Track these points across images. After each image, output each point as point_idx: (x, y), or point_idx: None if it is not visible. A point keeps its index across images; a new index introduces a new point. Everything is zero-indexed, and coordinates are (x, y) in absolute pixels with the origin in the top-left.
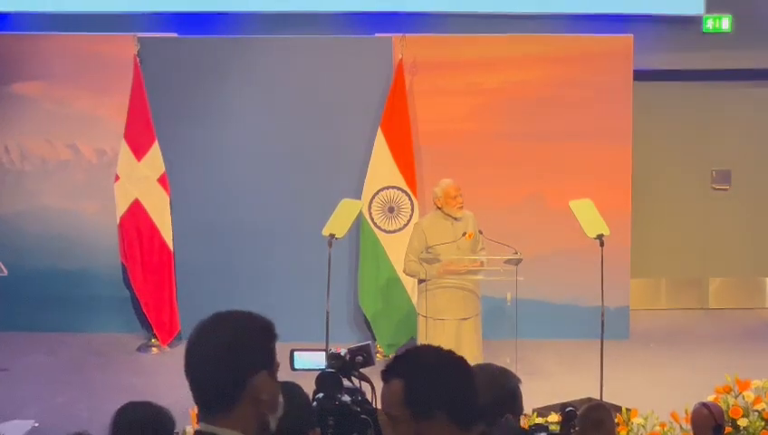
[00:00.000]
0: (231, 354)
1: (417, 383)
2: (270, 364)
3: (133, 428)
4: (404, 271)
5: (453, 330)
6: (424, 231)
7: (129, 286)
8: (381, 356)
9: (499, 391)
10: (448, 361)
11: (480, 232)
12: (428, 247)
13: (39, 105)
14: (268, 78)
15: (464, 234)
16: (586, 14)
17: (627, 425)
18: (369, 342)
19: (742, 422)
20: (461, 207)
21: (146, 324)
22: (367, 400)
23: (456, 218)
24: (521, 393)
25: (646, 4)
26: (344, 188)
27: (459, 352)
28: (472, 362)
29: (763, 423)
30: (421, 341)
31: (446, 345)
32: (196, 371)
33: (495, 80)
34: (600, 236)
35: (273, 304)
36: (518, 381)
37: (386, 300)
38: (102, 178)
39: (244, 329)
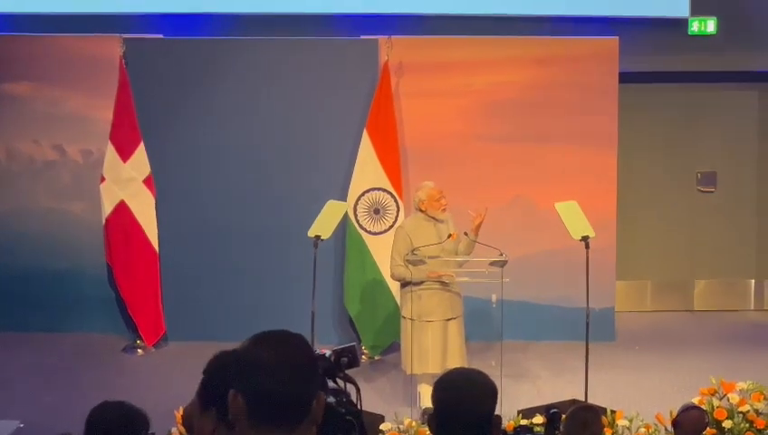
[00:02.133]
0: (311, 371)
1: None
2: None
3: (106, 427)
4: (391, 276)
5: (440, 330)
6: (408, 234)
7: (114, 287)
8: (367, 358)
9: (492, 400)
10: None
11: (465, 234)
12: (414, 250)
13: (26, 106)
14: (254, 79)
15: (449, 235)
16: (572, 17)
17: (612, 427)
18: (354, 343)
19: (726, 424)
20: (445, 209)
21: (131, 325)
22: (352, 401)
23: (438, 220)
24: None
25: (631, 7)
26: (330, 189)
27: (446, 353)
28: (459, 360)
29: (747, 425)
30: (405, 344)
31: (433, 346)
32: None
33: (481, 82)
34: (585, 238)
35: (259, 304)
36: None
37: (371, 302)
38: (89, 179)
39: (310, 354)
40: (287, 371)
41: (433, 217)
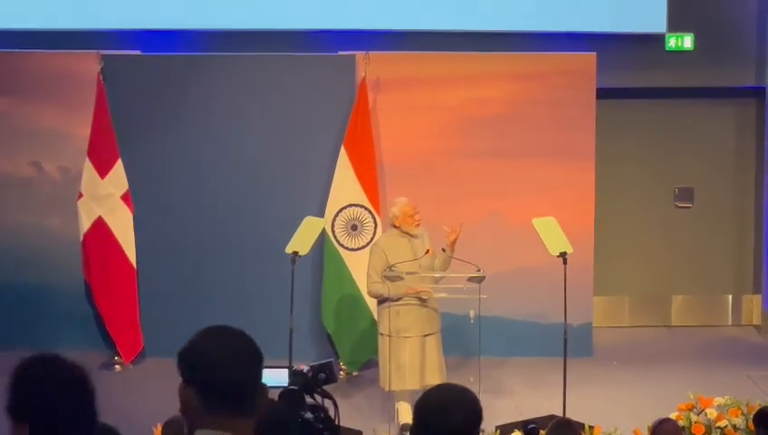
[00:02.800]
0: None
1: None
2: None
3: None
4: (368, 293)
5: (417, 346)
6: (383, 251)
7: (92, 303)
8: (344, 374)
9: (471, 413)
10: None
11: (443, 250)
12: (390, 266)
13: (2, 122)
14: (232, 95)
15: (426, 251)
16: (549, 32)
17: None
18: (332, 359)
19: None
20: (418, 225)
21: (109, 342)
22: (330, 417)
23: (412, 236)
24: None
25: (608, 23)
26: (307, 205)
27: (424, 369)
28: (438, 376)
29: None
30: (383, 360)
31: (411, 362)
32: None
33: (458, 97)
34: (563, 254)
35: (237, 320)
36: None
37: (349, 318)
38: (66, 196)
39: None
40: (230, 359)
41: (407, 233)
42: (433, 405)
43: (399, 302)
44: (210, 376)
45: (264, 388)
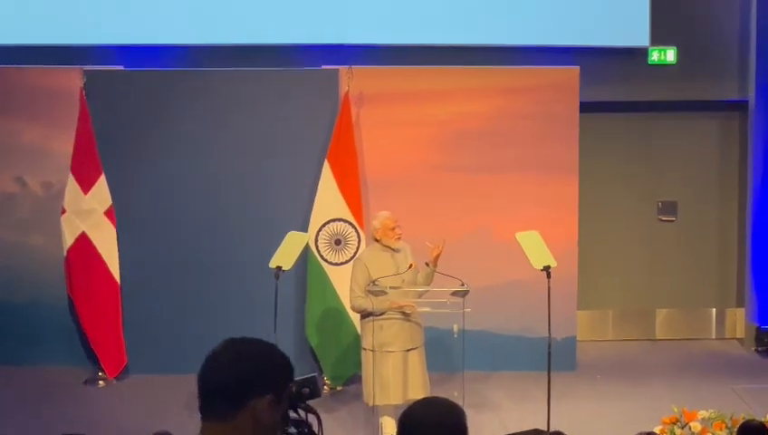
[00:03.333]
0: (245, 367)
1: None
2: (278, 395)
3: None
4: (351, 308)
5: (400, 361)
6: (366, 265)
7: (75, 319)
8: (328, 388)
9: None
10: None
11: (427, 264)
12: (373, 281)
13: None
14: (215, 110)
15: (410, 266)
16: (532, 46)
17: None
18: (316, 374)
19: None
20: (399, 238)
21: (93, 357)
22: (313, 432)
23: (394, 250)
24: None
25: (592, 37)
26: (291, 220)
27: (407, 383)
28: (422, 391)
29: None
30: (366, 375)
31: (394, 377)
32: (209, 373)
33: (442, 112)
34: (546, 268)
35: (221, 335)
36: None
37: (332, 332)
38: (49, 211)
39: (265, 353)
40: (218, 360)
41: (389, 247)
42: (418, 419)
43: (382, 316)
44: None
45: (266, 397)
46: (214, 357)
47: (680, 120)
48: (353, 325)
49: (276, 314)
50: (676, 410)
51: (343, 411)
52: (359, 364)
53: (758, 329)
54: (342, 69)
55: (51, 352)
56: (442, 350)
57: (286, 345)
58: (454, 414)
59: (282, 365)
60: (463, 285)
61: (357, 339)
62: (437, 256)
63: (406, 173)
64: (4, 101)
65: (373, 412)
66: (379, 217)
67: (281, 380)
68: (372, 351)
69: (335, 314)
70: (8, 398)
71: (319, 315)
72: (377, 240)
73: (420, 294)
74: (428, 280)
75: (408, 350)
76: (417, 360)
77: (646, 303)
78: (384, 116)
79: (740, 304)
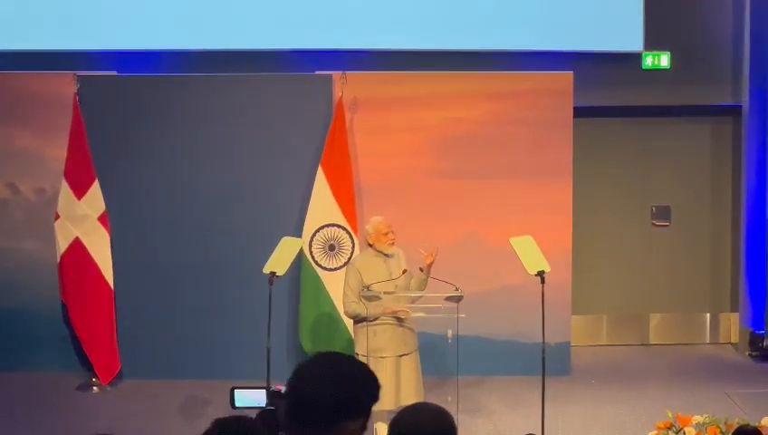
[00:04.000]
0: (345, 389)
1: None
2: (366, 420)
3: None
4: (345, 313)
5: (392, 366)
6: (359, 270)
7: (68, 325)
8: None
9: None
10: None
11: (420, 269)
12: (366, 286)
13: None
14: (208, 116)
15: (404, 271)
16: (526, 51)
17: None
18: None
19: None
20: (392, 244)
21: (86, 363)
22: None
23: (387, 255)
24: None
25: (586, 42)
26: (285, 225)
27: (400, 388)
28: (414, 396)
29: None
30: None
31: (386, 382)
32: (307, 388)
33: (436, 117)
34: (540, 273)
35: (214, 341)
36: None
37: (326, 337)
38: (42, 217)
39: (364, 376)
40: (318, 377)
41: (381, 252)
42: (407, 425)
43: (376, 322)
44: (293, 390)
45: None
46: (313, 372)
47: (674, 124)
48: (347, 331)
49: (270, 320)
50: (670, 414)
51: None
52: None
53: (752, 333)
54: (336, 74)
55: (44, 357)
56: (436, 355)
57: (280, 351)
58: (442, 419)
59: (376, 392)
60: (457, 290)
61: (351, 344)
62: (431, 264)
63: (400, 178)
64: None
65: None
66: (372, 222)
67: (371, 405)
68: (365, 356)
69: (329, 320)
70: (1, 404)
71: (312, 321)
72: (370, 245)
73: (414, 300)
74: (422, 287)
75: (401, 355)
76: (410, 365)
77: (640, 307)
78: (378, 121)
79: (734, 308)
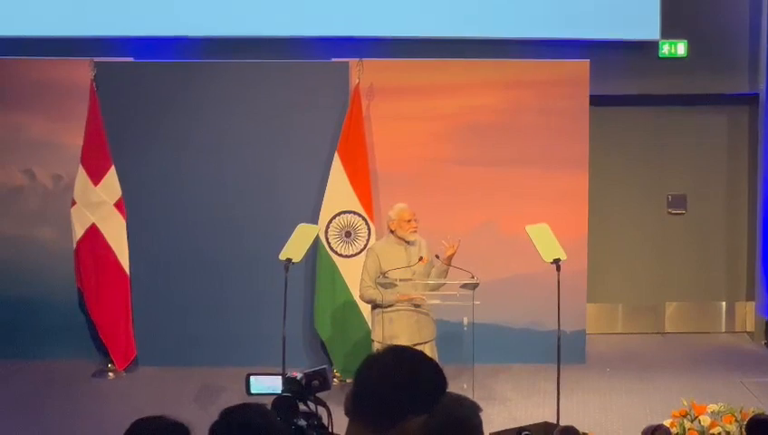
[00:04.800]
0: (415, 385)
1: None
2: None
3: None
4: (360, 297)
5: None
6: (378, 256)
7: (85, 312)
8: (338, 381)
9: (446, 418)
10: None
11: (437, 256)
12: (384, 272)
13: None
14: (225, 102)
15: (420, 258)
16: (543, 40)
17: None
18: (326, 366)
19: None
20: (415, 231)
21: (102, 350)
22: (323, 424)
23: (408, 243)
24: (477, 423)
25: (602, 30)
26: (301, 212)
27: None
28: None
29: None
30: None
31: None
32: (376, 379)
33: (452, 105)
34: (556, 261)
35: (230, 328)
36: (477, 410)
37: (342, 324)
38: (58, 204)
39: (434, 373)
40: (388, 369)
41: (403, 239)
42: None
43: (392, 309)
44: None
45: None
46: (383, 364)
47: (690, 113)
48: (363, 317)
49: (286, 307)
50: (685, 403)
51: None
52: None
53: (767, 322)
54: (352, 61)
55: (60, 344)
56: (452, 343)
57: (296, 338)
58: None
59: (443, 389)
60: (473, 278)
61: (367, 331)
62: (452, 256)
63: (416, 166)
64: (13, 93)
65: None
66: (396, 209)
67: (437, 402)
68: (381, 343)
69: (345, 307)
70: (18, 391)
71: (329, 308)
72: (392, 231)
73: (431, 288)
74: (442, 276)
75: (417, 344)
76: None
77: (655, 296)
78: (394, 109)
79: (750, 297)
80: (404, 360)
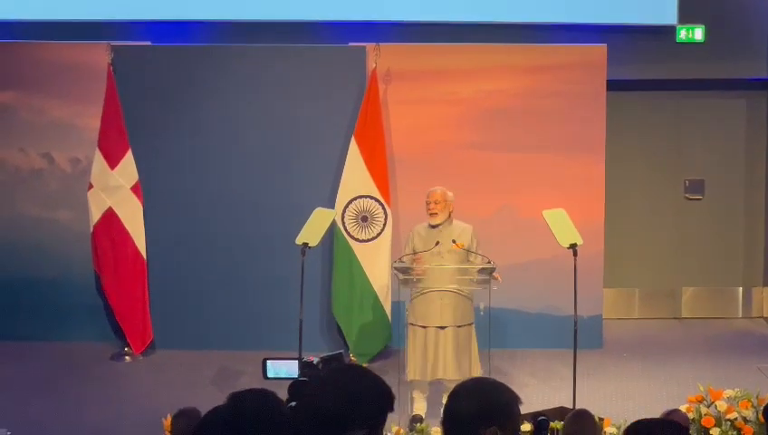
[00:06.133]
0: (343, 399)
1: None
2: (373, 431)
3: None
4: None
5: (430, 337)
6: (413, 237)
7: (102, 295)
8: None
9: (485, 403)
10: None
11: (453, 241)
12: (415, 252)
13: (13, 114)
14: (241, 86)
15: (453, 241)
16: (560, 24)
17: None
18: (342, 351)
19: (714, 432)
20: (434, 215)
21: (119, 333)
22: None
23: (433, 226)
24: (516, 410)
25: (619, 15)
26: (318, 196)
27: (437, 360)
28: (451, 371)
29: (735, 433)
30: (409, 349)
31: (419, 352)
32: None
33: (469, 90)
34: (573, 246)
35: (247, 312)
36: (516, 398)
37: (359, 309)
38: (76, 187)
39: (367, 386)
40: (321, 388)
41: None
42: (456, 401)
43: (420, 291)
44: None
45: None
46: (322, 382)
47: (708, 98)
48: (380, 302)
49: (303, 291)
50: (702, 388)
51: None
52: (385, 341)
53: None
54: (369, 46)
55: (77, 327)
56: None
57: (312, 322)
58: (493, 391)
59: (380, 404)
60: (489, 262)
61: (383, 315)
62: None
63: (432, 151)
64: (31, 77)
65: (399, 389)
66: (427, 191)
67: (378, 416)
68: (413, 324)
69: (361, 291)
70: (35, 373)
71: (345, 292)
72: None
73: (460, 272)
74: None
75: (442, 328)
76: (449, 340)
77: (672, 281)
78: (411, 93)
79: (767, 282)
80: (342, 377)
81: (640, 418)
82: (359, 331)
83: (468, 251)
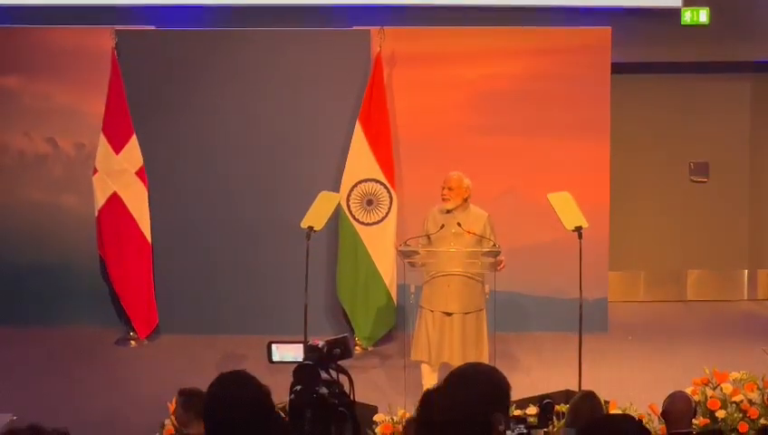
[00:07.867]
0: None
1: None
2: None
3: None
4: None
5: (436, 321)
6: (427, 219)
7: (107, 280)
8: (360, 349)
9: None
10: None
11: (459, 224)
12: (428, 234)
13: (17, 99)
14: (246, 70)
15: (458, 224)
16: (564, 6)
17: None
18: (347, 334)
19: (720, 414)
20: (446, 200)
21: (124, 317)
22: (344, 392)
23: (447, 211)
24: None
25: None
26: (322, 180)
27: (442, 345)
28: (457, 357)
29: (740, 415)
30: (416, 331)
31: (424, 335)
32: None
33: (473, 73)
34: (578, 229)
35: (251, 297)
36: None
37: (364, 293)
38: (81, 172)
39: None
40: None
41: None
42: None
43: (431, 275)
44: None
45: None
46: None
47: (713, 80)
48: (385, 285)
49: (308, 275)
50: (707, 371)
51: (375, 372)
52: (390, 324)
53: None
54: (374, 29)
55: (82, 312)
56: None
57: (317, 306)
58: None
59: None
60: (494, 245)
61: (389, 299)
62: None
63: (437, 134)
64: (35, 61)
65: (404, 372)
66: (445, 176)
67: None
68: (421, 307)
69: (367, 275)
70: (40, 358)
71: (350, 276)
72: None
73: (469, 256)
74: (492, 268)
75: (448, 314)
76: (456, 326)
77: (677, 264)
78: (416, 77)
79: None
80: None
81: (646, 401)
82: (364, 314)
83: (481, 237)
